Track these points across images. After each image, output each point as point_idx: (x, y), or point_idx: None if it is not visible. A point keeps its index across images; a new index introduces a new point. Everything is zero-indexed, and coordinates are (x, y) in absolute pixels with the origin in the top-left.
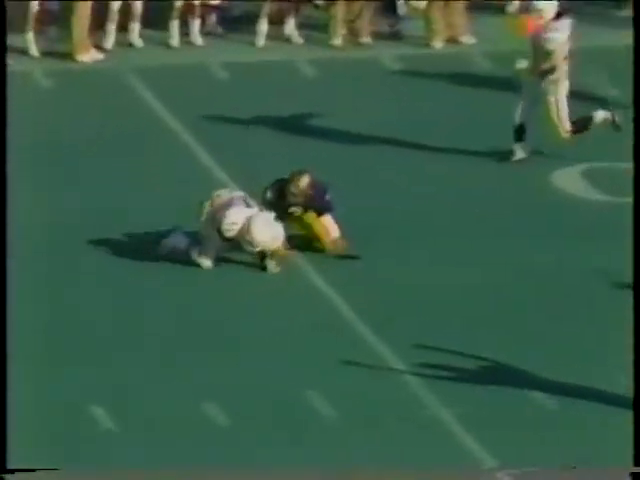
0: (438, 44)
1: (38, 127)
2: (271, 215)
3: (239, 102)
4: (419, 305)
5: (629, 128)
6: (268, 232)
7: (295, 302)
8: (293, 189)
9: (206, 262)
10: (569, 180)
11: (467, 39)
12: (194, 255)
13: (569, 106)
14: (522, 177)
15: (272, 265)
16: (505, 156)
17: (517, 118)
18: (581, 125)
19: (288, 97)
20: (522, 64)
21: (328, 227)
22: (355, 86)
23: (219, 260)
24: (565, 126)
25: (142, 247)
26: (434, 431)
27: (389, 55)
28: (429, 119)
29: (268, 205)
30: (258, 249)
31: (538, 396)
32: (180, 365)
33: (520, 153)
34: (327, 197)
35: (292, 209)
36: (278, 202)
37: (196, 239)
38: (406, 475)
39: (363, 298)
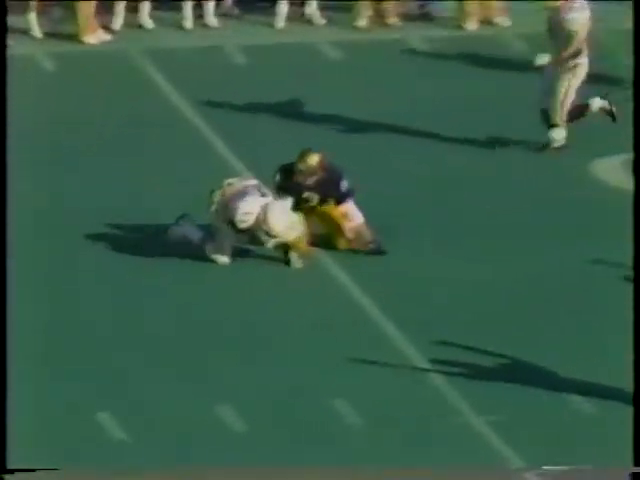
0: (471, 26)
1: (40, 114)
2: (288, 203)
3: (257, 87)
4: (443, 301)
5: None
6: (286, 221)
7: (313, 298)
8: (301, 167)
9: (222, 258)
10: (610, 170)
11: (502, 20)
12: (209, 251)
13: (584, 90)
14: (558, 166)
15: (295, 258)
16: (542, 144)
17: (542, 104)
18: (577, 113)
19: (309, 82)
20: (543, 59)
21: (350, 214)
22: (381, 70)
23: (234, 255)
24: (562, 114)
25: (151, 240)
26: (460, 430)
27: (418, 37)
28: (460, 105)
29: (279, 190)
30: (275, 240)
31: (576, 399)
32: (187, 366)
33: (558, 140)
34: (343, 183)
35: (306, 194)
36: (288, 184)
37: (209, 232)
38: (433, 475)
39: (384, 293)
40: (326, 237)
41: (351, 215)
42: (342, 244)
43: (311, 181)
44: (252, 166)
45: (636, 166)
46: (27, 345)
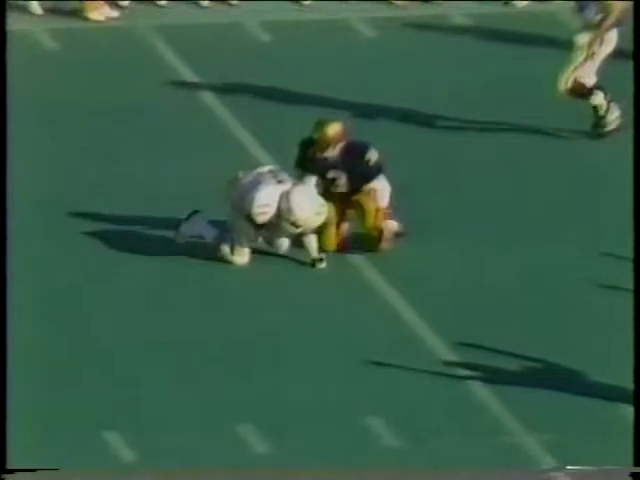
0: (521, 2)
1: (41, 97)
2: (311, 183)
3: (282, 68)
4: (483, 302)
5: None
6: (312, 206)
7: (340, 302)
8: (319, 136)
9: (240, 259)
10: None
11: None
12: (224, 252)
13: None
14: (611, 152)
15: (318, 257)
16: (594, 130)
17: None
18: (580, 91)
19: (341, 62)
20: (584, 38)
21: (378, 194)
22: (420, 50)
23: (254, 253)
24: (568, 83)
25: (160, 236)
26: (491, 431)
27: (461, 13)
28: (508, 88)
29: (299, 166)
30: (301, 229)
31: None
32: (203, 379)
33: (611, 122)
34: (371, 154)
35: (331, 174)
36: (309, 159)
37: (224, 229)
38: (465, 476)
39: (419, 294)
40: (359, 237)
41: (379, 195)
42: (374, 245)
43: (333, 154)
44: (278, 155)
45: (636, 165)
46: (27, 344)
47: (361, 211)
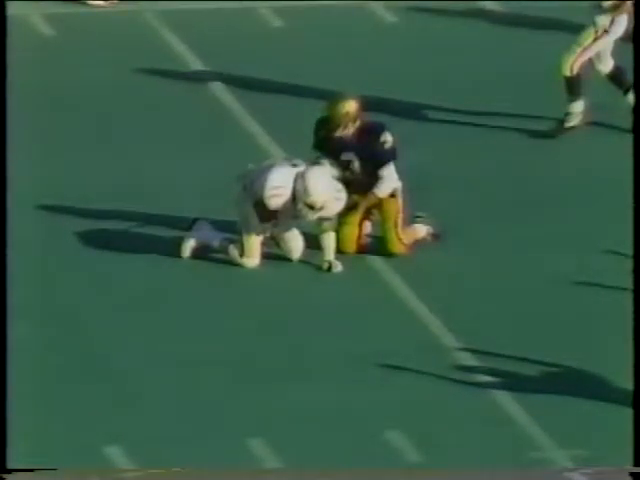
0: None
1: (36, 88)
2: (326, 167)
3: (295, 56)
4: (501, 305)
5: None
6: (330, 187)
7: (358, 306)
8: (332, 113)
9: (250, 261)
10: None
11: None
12: (233, 254)
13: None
14: (611, 151)
15: (334, 260)
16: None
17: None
18: (576, 82)
19: (360, 50)
20: (604, 21)
21: (400, 200)
22: (445, 36)
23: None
24: (574, 66)
25: (165, 236)
26: (505, 428)
27: None
28: (541, 79)
29: (316, 150)
30: (319, 214)
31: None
32: (213, 390)
33: (573, 118)
34: (386, 138)
35: (344, 157)
36: (321, 138)
37: (232, 231)
38: (479, 474)
39: (441, 299)
40: (378, 240)
41: (386, 180)
42: (396, 247)
43: (347, 134)
44: (290, 148)
45: (636, 166)
46: (27, 344)
47: (382, 215)
